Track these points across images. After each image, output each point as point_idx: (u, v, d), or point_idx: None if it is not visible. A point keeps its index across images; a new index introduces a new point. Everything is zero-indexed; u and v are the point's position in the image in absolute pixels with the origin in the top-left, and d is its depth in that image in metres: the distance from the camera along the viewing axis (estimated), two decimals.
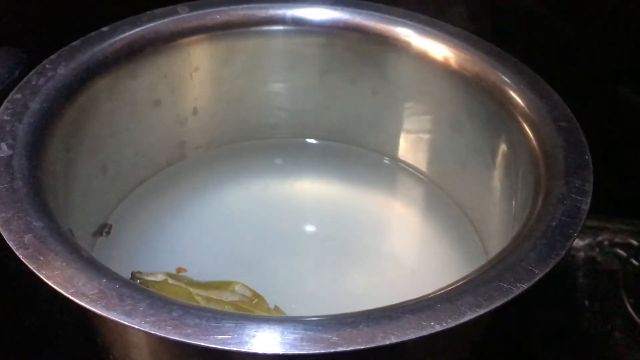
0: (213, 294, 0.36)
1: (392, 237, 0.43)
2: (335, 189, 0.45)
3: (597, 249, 0.46)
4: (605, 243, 0.47)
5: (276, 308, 0.36)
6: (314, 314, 0.26)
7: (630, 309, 0.42)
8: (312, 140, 0.47)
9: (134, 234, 0.40)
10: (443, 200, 0.43)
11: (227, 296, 0.36)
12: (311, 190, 0.45)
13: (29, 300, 0.41)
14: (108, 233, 0.40)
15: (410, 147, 0.45)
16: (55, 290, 0.26)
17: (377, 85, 0.44)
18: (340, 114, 0.46)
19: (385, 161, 0.46)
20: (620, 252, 0.45)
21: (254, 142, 0.47)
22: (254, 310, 0.36)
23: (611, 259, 0.46)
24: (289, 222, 0.42)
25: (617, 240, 0.46)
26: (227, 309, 0.35)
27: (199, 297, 0.36)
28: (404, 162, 0.45)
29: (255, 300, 0.36)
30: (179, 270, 0.38)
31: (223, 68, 0.44)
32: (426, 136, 0.44)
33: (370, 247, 0.41)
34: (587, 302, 0.43)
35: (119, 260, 0.38)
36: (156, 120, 0.43)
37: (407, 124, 0.44)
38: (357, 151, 0.46)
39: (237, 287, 0.36)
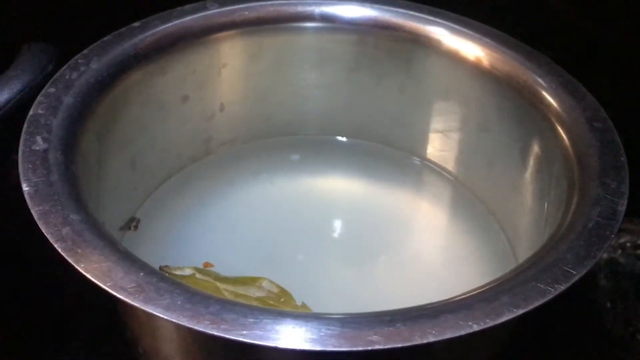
0: (240, 290, 0.36)
1: (418, 236, 0.42)
2: (361, 187, 0.44)
3: (620, 251, 0.46)
4: (628, 245, 0.47)
5: (303, 305, 0.36)
6: (343, 311, 0.26)
7: None
8: (339, 138, 0.47)
9: (160, 228, 0.41)
10: (470, 199, 0.43)
11: (254, 292, 0.36)
12: (337, 188, 0.45)
13: (55, 290, 0.42)
14: (136, 228, 0.40)
15: (437, 146, 0.45)
16: (93, 283, 0.26)
17: (404, 83, 0.44)
18: (367, 111, 0.46)
19: (412, 160, 0.46)
20: None
21: (280, 138, 0.47)
22: (281, 307, 0.36)
23: (634, 261, 0.46)
24: (315, 219, 0.42)
25: None
26: (255, 304, 0.35)
27: (227, 292, 0.36)
28: (431, 161, 0.45)
29: (283, 297, 0.36)
30: (206, 265, 0.38)
31: (251, 64, 0.44)
32: (454, 135, 0.43)
33: (396, 246, 0.41)
34: (608, 304, 0.43)
35: (147, 254, 0.38)
36: (184, 116, 0.43)
37: (434, 123, 0.44)
38: (383, 149, 0.46)
39: (264, 283, 0.36)
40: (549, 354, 0.41)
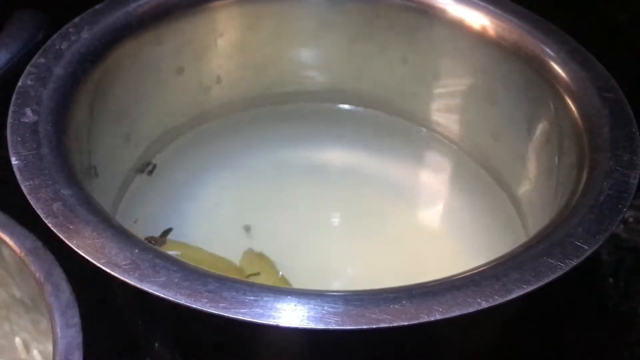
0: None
1: (422, 207, 0.41)
2: (363, 157, 0.43)
3: (622, 226, 0.45)
4: (631, 220, 0.46)
5: (283, 277, 0.35)
6: (344, 288, 0.25)
7: None
8: (340, 106, 0.46)
9: (154, 200, 0.40)
10: (477, 171, 0.42)
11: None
12: (338, 158, 0.43)
13: None
14: (151, 173, 0.39)
15: (442, 117, 0.43)
16: (86, 260, 0.25)
17: (408, 54, 0.42)
18: (369, 82, 0.44)
19: (417, 130, 0.44)
20: None
21: (278, 109, 0.45)
22: (259, 273, 0.35)
23: (636, 236, 0.45)
24: (315, 189, 0.41)
25: None
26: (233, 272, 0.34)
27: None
28: (436, 131, 0.44)
29: (263, 263, 0.35)
30: None
31: (249, 35, 0.42)
32: (459, 106, 0.42)
33: (399, 217, 0.40)
34: (611, 280, 0.43)
35: (139, 227, 0.37)
36: (179, 88, 0.41)
37: (439, 93, 0.43)
38: (387, 118, 0.45)
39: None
40: (550, 329, 0.40)
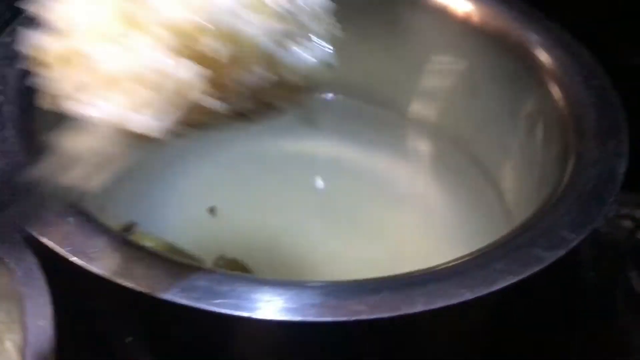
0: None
1: (404, 197, 0.40)
2: (345, 146, 0.42)
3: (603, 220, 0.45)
4: (611, 215, 0.46)
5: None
6: (325, 279, 0.24)
7: (634, 282, 0.41)
8: (322, 96, 0.45)
9: (139, 189, 0.38)
10: (460, 161, 0.41)
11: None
12: (317, 147, 0.42)
13: None
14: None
15: (423, 107, 0.42)
16: (49, 248, 0.23)
17: (390, 41, 0.42)
18: (350, 70, 0.43)
19: (399, 119, 0.43)
20: (626, 224, 0.44)
21: None
22: None
23: (616, 230, 0.45)
24: (297, 178, 0.40)
25: (623, 212, 0.44)
26: None
27: None
28: (417, 120, 0.43)
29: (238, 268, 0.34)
30: None
31: None
32: (442, 95, 0.41)
33: (380, 207, 0.39)
34: (591, 274, 0.42)
35: (120, 214, 0.36)
36: None
37: (421, 82, 0.42)
38: (369, 108, 0.44)
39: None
40: (530, 323, 0.40)
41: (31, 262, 0.24)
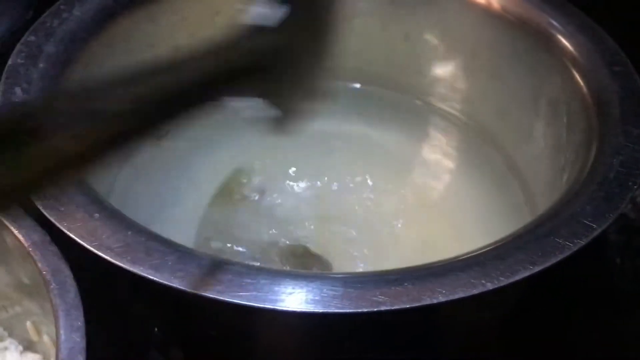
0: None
1: (425, 185, 0.40)
2: (365, 133, 0.42)
3: (630, 205, 0.44)
4: (638, 200, 0.45)
5: None
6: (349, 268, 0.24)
7: None
8: (342, 83, 0.44)
9: (154, 178, 0.38)
10: (483, 147, 0.41)
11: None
12: (341, 133, 0.42)
13: None
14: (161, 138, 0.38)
15: (447, 94, 0.42)
16: (77, 243, 0.24)
17: (410, 30, 0.41)
18: (371, 59, 0.43)
19: (420, 106, 0.43)
20: None
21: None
22: None
23: None
24: (317, 165, 0.40)
25: None
26: None
27: None
28: (439, 108, 0.43)
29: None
30: None
31: None
32: (463, 82, 0.41)
33: (403, 195, 0.39)
34: (618, 260, 0.42)
35: (135, 208, 0.36)
36: None
37: (443, 70, 0.42)
38: (390, 95, 0.44)
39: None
40: (557, 309, 0.39)
41: (65, 274, 0.24)
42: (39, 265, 0.25)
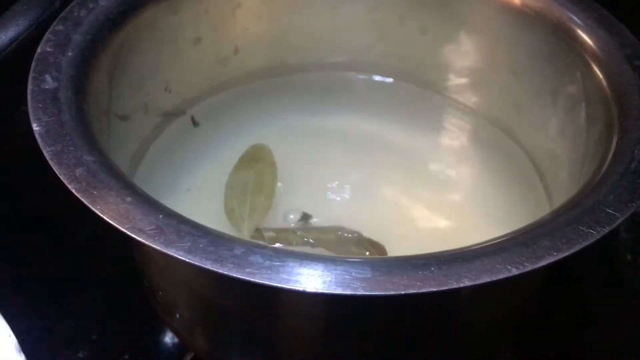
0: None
1: (445, 177, 0.41)
2: (383, 125, 0.43)
3: None
4: None
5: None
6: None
7: None
8: (359, 76, 0.45)
9: (170, 170, 0.39)
10: (501, 139, 0.41)
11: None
12: (358, 126, 0.43)
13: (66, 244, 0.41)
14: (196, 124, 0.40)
15: (465, 87, 0.42)
16: (110, 225, 0.24)
17: (428, 23, 0.42)
18: (389, 52, 0.44)
19: (437, 99, 0.43)
20: None
21: (295, 79, 0.45)
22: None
23: None
24: (333, 157, 0.41)
25: None
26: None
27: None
28: (457, 101, 0.43)
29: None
30: None
31: (266, 4, 0.42)
32: (481, 75, 0.41)
33: (423, 188, 0.40)
34: (629, 257, 0.42)
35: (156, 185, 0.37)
36: (197, 58, 0.41)
37: (461, 64, 0.42)
38: (408, 88, 0.44)
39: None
40: (568, 307, 0.40)
41: None
42: None
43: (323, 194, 0.39)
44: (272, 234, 0.35)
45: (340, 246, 0.34)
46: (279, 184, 0.38)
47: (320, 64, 0.44)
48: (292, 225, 0.37)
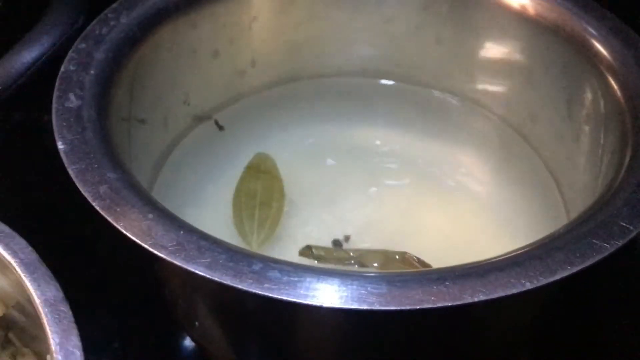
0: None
1: (459, 185, 0.41)
2: (401, 133, 0.43)
3: None
4: None
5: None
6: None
7: None
8: (380, 81, 0.45)
9: (189, 184, 0.40)
10: (517, 150, 0.41)
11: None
12: (377, 134, 0.43)
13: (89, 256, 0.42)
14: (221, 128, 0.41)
15: (481, 97, 0.43)
16: (133, 242, 0.25)
17: (442, 33, 0.42)
18: (404, 62, 0.44)
19: (456, 108, 0.44)
20: None
21: (312, 88, 0.45)
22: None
23: None
24: (353, 165, 0.41)
25: None
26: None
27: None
28: (475, 111, 0.43)
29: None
30: None
31: (282, 17, 0.42)
32: (497, 85, 0.42)
33: (440, 194, 0.40)
34: None
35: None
36: (215, 71, 0.42)
37: (475, 74, 0.42)
38: (425, 97, 0.44)
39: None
40: (587, 312, 0.40)
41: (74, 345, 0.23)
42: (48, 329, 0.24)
43: (337, 207, 0.39)
44: (322, 252, 0.35)
45: (388, 264, 0.34)
46: (287, 198, 0.39)
47: (336, 74, 0.45)
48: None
